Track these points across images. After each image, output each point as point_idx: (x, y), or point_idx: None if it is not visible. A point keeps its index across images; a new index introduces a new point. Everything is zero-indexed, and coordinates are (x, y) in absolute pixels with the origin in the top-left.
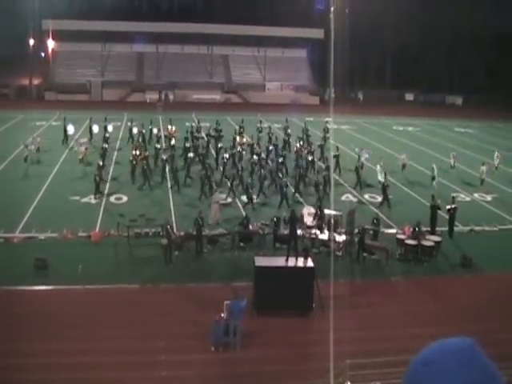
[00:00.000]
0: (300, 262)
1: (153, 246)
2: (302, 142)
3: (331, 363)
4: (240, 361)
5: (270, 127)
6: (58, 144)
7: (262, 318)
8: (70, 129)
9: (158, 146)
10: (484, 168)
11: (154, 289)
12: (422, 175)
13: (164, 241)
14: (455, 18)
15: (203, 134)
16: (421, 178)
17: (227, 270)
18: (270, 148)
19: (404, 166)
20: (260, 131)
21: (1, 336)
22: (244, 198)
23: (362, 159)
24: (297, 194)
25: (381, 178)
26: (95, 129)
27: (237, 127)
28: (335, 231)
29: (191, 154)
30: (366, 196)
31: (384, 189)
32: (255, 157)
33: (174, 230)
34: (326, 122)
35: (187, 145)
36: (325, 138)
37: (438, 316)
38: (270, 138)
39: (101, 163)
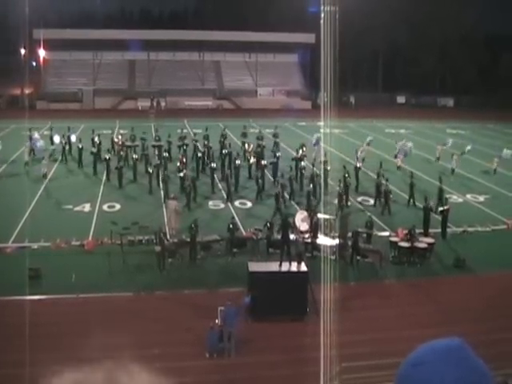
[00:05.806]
0: (293, 267)
1: (146, 254)
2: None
3: (321, 367)
4: (235, 367)
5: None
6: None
7: (257, 324)
8: (56, 139)
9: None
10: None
11: (148, 296)
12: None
13: (157, 248)
14: (446, 20)
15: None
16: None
17: (221, 276)
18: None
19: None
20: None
21: None
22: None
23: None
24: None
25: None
26: (56, 139)
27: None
28: (328, 235)
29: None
30: (359, 199)
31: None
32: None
33: (168, 237)
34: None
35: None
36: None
37: (432, 317)
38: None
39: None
